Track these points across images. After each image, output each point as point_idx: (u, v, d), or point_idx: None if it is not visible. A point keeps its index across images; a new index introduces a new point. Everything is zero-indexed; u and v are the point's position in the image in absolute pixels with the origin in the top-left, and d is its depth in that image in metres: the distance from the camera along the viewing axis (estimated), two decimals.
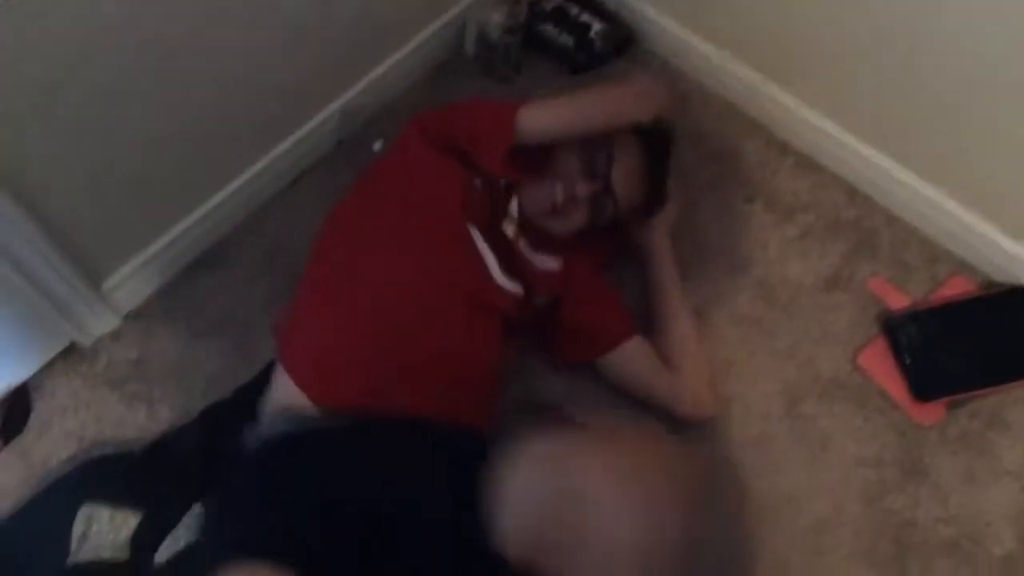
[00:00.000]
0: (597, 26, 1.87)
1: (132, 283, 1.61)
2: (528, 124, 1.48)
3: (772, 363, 1.58)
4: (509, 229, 1.51)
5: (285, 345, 1.40)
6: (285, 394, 1.35)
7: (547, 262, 1.54)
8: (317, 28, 1.58)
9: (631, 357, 1.52)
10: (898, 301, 1.63)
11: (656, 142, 1.56)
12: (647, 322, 1.57)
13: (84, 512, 1.39)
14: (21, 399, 1.56)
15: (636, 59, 1.90)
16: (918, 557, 1.44)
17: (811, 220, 1.72)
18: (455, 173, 1.49)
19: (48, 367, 1.59)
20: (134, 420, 1.55)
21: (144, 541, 1.38)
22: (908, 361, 1.57)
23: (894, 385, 1.56)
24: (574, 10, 1.89)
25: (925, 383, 1.55)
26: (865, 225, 1.71)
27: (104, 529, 1.39)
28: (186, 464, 1.44)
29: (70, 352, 1.60)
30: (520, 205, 1.52)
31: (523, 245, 1.52)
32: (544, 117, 1.51)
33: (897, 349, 1.58)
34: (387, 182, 1.52)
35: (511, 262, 1.48)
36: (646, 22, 1.87)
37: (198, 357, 1.60)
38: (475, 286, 1.42)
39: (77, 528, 1.38)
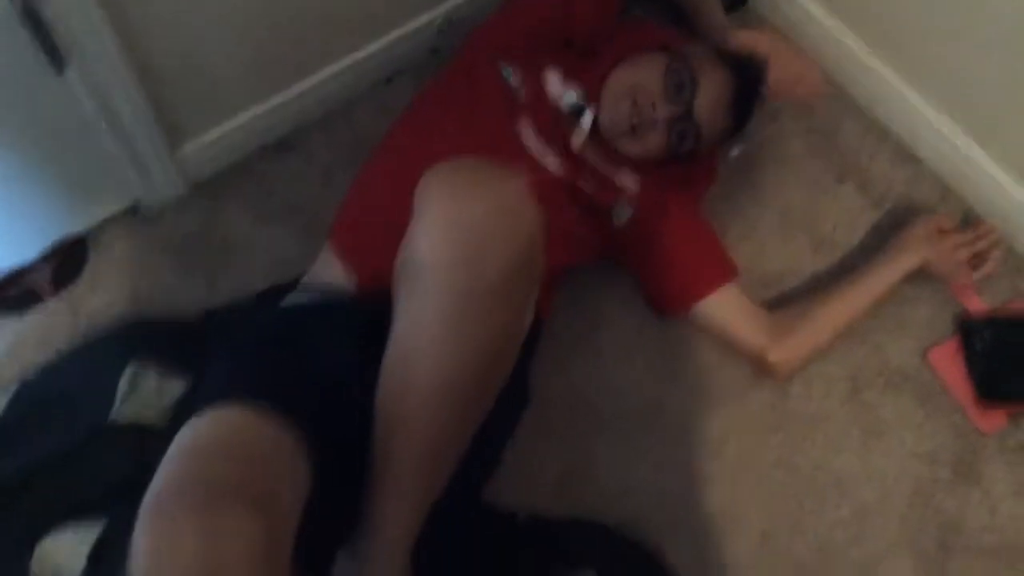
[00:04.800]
0: None
1: (208, 153, 1.56)
2: None
3: (842, 345, 1.55)
4: (578, 140, 1.45)
5: (334, 223, 1.40)
6: (326, 270, 1.35)
7: (624, 179, 1.48)
8: None
9: (726, 304, 1.48)
10: (977, 305, 1.60)
11: (746, 75, 1.50)
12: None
13: (131, 370, 1.35)
14: (78, 249, 1.52)
15: (744, 23, 1.84)
16: (960, 559, 1.42)
17: (902, 209, 1.68)
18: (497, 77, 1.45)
19: (109, 222, 1.55)
20: (190, 292, 1.51)
21: (187, 410, 1.36)
22: (978, 366, 1.54)
23: (960, 387, 1.53)
24: None
25: (991, 390, 1.52)
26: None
27: (150, 391, 1.35)
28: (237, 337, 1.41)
29: (133, 212, 1.56)
30: (596, 117, 1.46)
31: (594, 158, 1.47)
32: None
33: (969, 352, 1.55)
34: (443, 88, 1.50)
35: (579, 164, 1.43)
36: None
37: (263, 241, 1.56)
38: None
39: (122, 385, 1.35)
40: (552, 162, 1.40)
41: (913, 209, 1.67)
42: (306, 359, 1.14)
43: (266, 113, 1.59)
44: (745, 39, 1.72)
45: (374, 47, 1.66)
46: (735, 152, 1.67)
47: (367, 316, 1.19)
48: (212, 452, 0.94)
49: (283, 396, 1.01)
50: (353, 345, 1.16)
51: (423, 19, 1.69)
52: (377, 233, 1.32)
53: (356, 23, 1.60)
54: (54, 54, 1.23)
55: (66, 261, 1.50)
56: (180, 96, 1.44)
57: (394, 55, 1.69)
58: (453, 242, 0.98)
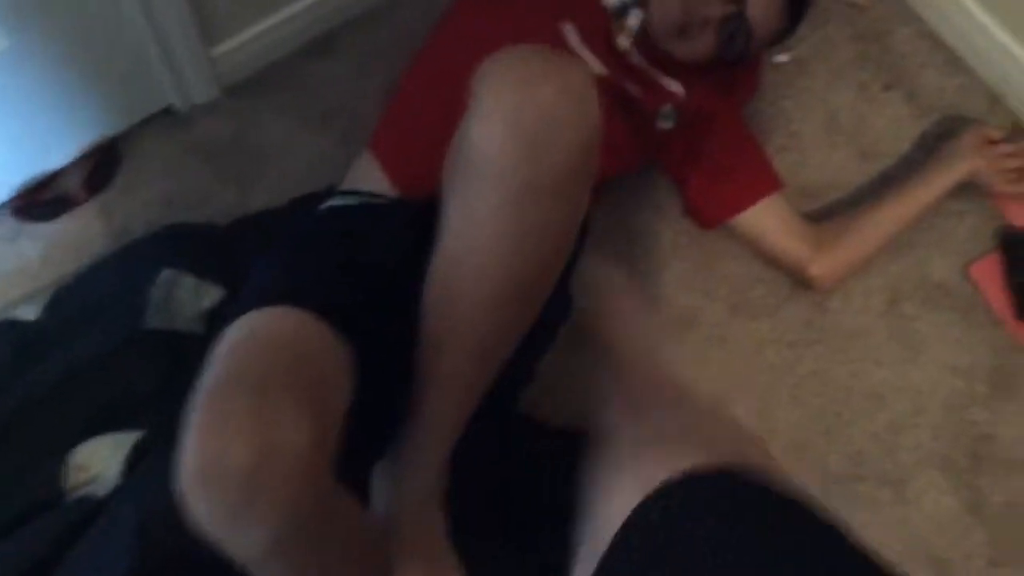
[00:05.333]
0: None
1: (243, 54, 1.53)
2: None
3: (881, 258, 1.52)
4: (624, 40, 1.40)
5: (376, 130, 1.37)
6: (366, 176, 1.32)
7: (670, 83, 1.44)
8: None
9: (769, 215, 1.46)
10: (1021, 219, 1.56)
11: None
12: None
13: (167, 276, 1.34)
14: (111, 153, 1.50)
15: None
16: (992, 471, 1.43)
17: (950, 119, 1.63)
18: None
19: (142, 125, 1.52)
20: (224, 197, 1.50)
21: (230, 314, 1.36)
22: (1019, 280, 1.51)
23: (1001, 302, 1.52)
24: None
25: None
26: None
27: (186, 297, 1.34)
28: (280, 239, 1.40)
29: (165, 115, 1.54)
30: (646, 17, 1.41)
31: (639, 60, 1.42)
32: None
33: (1011, 267, 1.52)
34: None
35: (624, 65, 1.39)
36: None
37: (299, 146, 1.54)
38: None
39: (158, 291, 1.33)
40: (597, 64, 1.37)
41: (961, 119, 1.62)
42: (351, 261, 1.11)
43: (304, 11, 1.54)
44: None
45: None
46: (783, 58, 1.62)
47: (412, 216, 1.16)
48: (266, 346, 0.91)
49: (328, 303, 0.99)
50: (398, 245, 1.14)
51: None
52: (420, 140, 1.30)
53: None
54: None
55: (99, 165, 1.49)
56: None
57: None
58: (517, 129, 0.91)
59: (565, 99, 0.93)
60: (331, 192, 1.40)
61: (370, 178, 1.32)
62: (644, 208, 1.55)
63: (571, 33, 1.37)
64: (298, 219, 1.35)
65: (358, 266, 1.11)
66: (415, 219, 1.13)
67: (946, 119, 1.63)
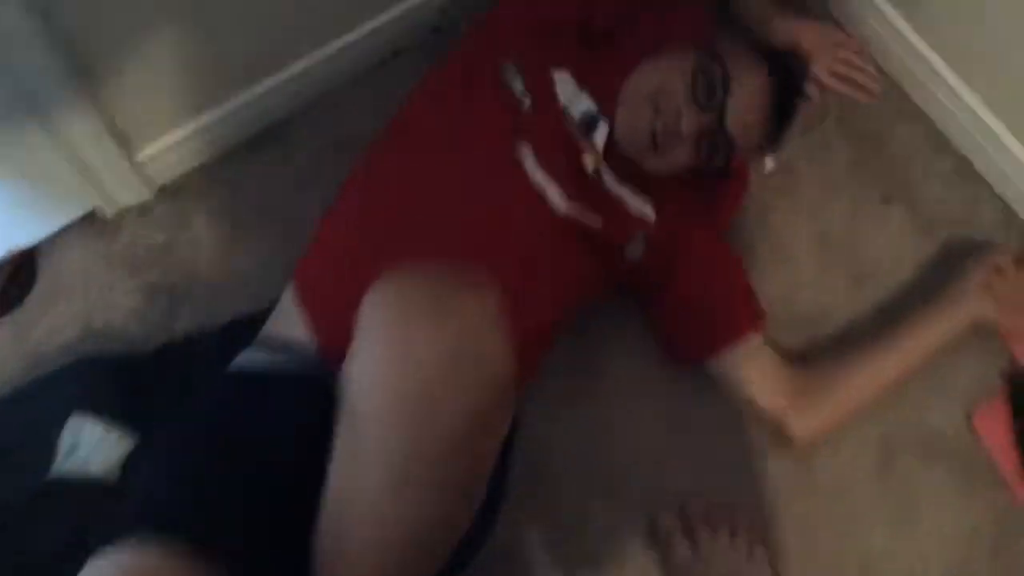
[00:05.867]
0: None
1: (172, 155, 1.39)
2: None
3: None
4: (590, 160, 1.26)
5: (297, 265, 1.22)
6: (287, 320, 1.18)
7: (641, 205, 1.29)
8: None
9: (746, 359, 1.29)
10: None
11: (788, 75, 1.30)
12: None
13: (76, 421, 1.22)
14: (26, 265, 1.36)
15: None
16: None
17: (956, 239, 1.48)
18: (501, 88, 1.25)
19: (62, 233, 1.38)
20: (150, 315, 1.36)
21: (137, 465, 1.23)
22: None
23: (1005, 457, 1.36)
24: None
25: None
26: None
27: (96, 445, 1.22)
28: (194, 383, 1.26)
29: (89, 221, 1.40)
30: (612, 128, 1.27)
31: (609, 179, 1.27)
32: None
33: (1017, 416, 1.37)
34: (436, 92, 1.29)
35: (588, 195, 1.24)
36: None
37: (234, 254, 1.40)
38: (528, 222, 1.19)
39: (67, 437, 1.21)
40: (555, 196, 1.21)
41: (969, 239, 1.47)
42: (246, 473, 0.98)
43: (237, 110, 1.40)
44: (794, 28, 1.50)
45: (365, 28, 1.45)
46: (770, 165, 1.47)
47: (324, 393, 1.03)
48: None
49: (210, 532, 0.87)
50: (302, 439, 0.99)
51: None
52: (342, 285, 1.14)
53: (342, 5, 1.39)
54: None
55: (13, 279, 1.35)
56: (130, 99, 1.26)
57: (390, 35, 1.49)
58: (398, 389, 0.81)
59: (455, 359, 0.81)
60: (261, 318, 1.26)
61: (290, 322, 1.17)
62: (612, 335, 1.40)
63: (528, 157, 1.22)
64: (206, 383, 1.19)
65: (252, 478, 0.97)
66: (327, 395, 1.00)
67: (952, 238, 1.47)
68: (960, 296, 1.34)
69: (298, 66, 1.41)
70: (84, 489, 1.19)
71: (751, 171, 1.44)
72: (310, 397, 1.09)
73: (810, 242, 1.47)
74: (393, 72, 1.51)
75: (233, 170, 1.44)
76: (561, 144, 1.25)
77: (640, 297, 1.37)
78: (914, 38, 1.48)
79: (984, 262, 1.36)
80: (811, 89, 1.50)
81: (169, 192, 1.42)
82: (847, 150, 1.52)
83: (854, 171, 1.51)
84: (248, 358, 1.17)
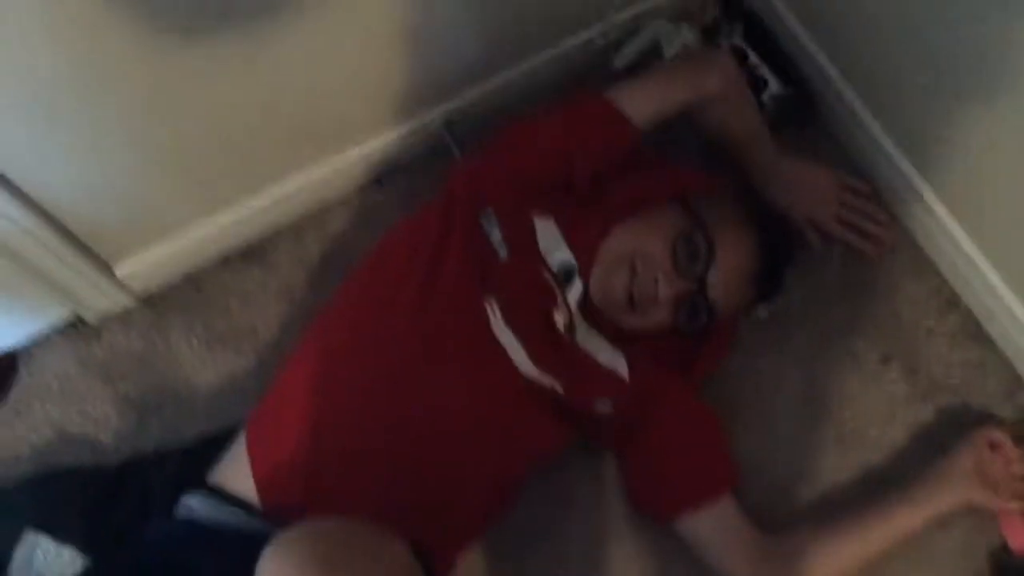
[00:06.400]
0: (775, 87, 1.50)
1: (154, 268, 1.40)
2: (628, 109, 1.29)
3: None
4: (559, 317, 1.23)
5: (255, 420, 1.20)
6: (236, 471, 1.17)
7: (614, 360, 1.26)
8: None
9: (713, 521, 1.24)
10: (1022, 539, 1.32)
11: (776, 244, 1.28)
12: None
13: (30, 538, 1.23)
14: (7, 367, 1.39)
15: (807, 136, 1.53)
16: None
17: (955, 407, 1.39)
18: (478, 237, 1.23)
19: (43, 337, 1.41)
20: (121, 426, 1.37)
21: None
22: None
23: None
24: (754, 57, 1.52)
25: None
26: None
27: (48, 563, 1.24)
28: (153, 504, 1.26)
29: (73, 327, 1.42)
30: (587, 285, 1.24)
31: (581, 332, 1.24)
32: (636, 97, 1.31)
33: None
34: (412, 238, 1.27)
35: (554, 355, 1.21)
36: (837, 101, 1.48)
37: (209, 371, 1.40)
38: (488, 382, 1.17)
39: (20, 552, 1.23)
40: (521, 358, 1.19)
41: (968, 408, 1.39)
42: None
43: (223, 226, 1.41)
44: (800, 169, 1.45)
45: (359, 152, 1.44)
46: (765, 314, 1.41)
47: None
48: None
49: None
50: None
51: (415, 122, 1.46)
52: (290, 450, 1.15)
53: (335, 131, 1.39)
54: None
55: None
56: (102, 227, 1.28)
57: (386, 156, 1.48)
58: None
59: None
60: (225, 439, 1.26)
61: (238, 475, 1.16)
62: (580, 475, 1.36)
63: (494, 313, 1.19)
64: (163, 509, 1.19)
65: None
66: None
67: (951, 406, 1.39)
68: (948, 479, 1.26)
69: (284, 185, 1.41)
70: None
71: (739, 321, 1.39)
72: (253, 556, 1.09)
73: (796, 395, 1.40)
74: (384, 191, 1.50)
75: (216, 283, 1.45)
76: (533, 297, 1.22)
77: (605, 446, 1.33)
78: (926, 191, 1.41)
79: (976, 443, 1.28)
80: (813, 236, 1.44)
81: (151, 301, 1.44)
82: (849, 301, 1.45)
83: (854, 324, 1.44)
84: (201, 506, 1.16)
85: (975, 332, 1.43)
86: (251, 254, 1.46)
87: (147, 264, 1.38)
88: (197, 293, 1.44)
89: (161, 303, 1.43)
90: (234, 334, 1.42)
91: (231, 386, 1.40)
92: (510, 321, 1.19)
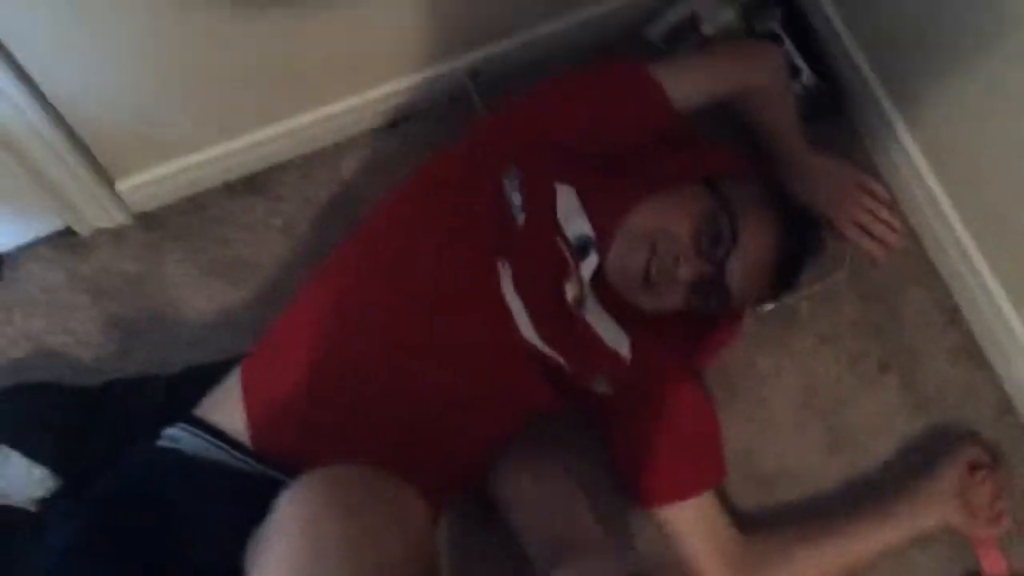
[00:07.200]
0: (807, 77, 1.48)
1: (155, 187, 1.35)
2: (672, 89, 1.28)
3: None
4: (570, 289, 1.20)
5: (253, 357, 1.17)
6: (228, 406, 1.13)
7: (618, 339, 1.24)
8: None
9: (694, 515, 1.23)
10: (995, 565, 1.33)
11: (799, 237, 1.26)
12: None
13: (1, 452, 1.19)
14: None
15: (831, 130, 1.51)
16: None
17: (945, 423, 1.40)
18: (498, 196, 1.20)
19: (32, 245, 1.36)
20: (103, 348, 1.33)
21: (56, 504, 1.20)
22: None
23: None
24: (789, 45, 1.49)
25: None
26: (1005, 453, 1.38)
27: (18, 481, 1.19)
28: (131, 432, 1.23)
29: (62, 236, 1.36)
30: (603, 261, 1.22)
31: (590, 306, 1.22)
32: (684, 79, 1.30)
33: None
34: (431, 188, 1.23)
35: (558, 326, 1.19)
36: (866, 96, 1.46)
37: (201, 299, 1.36)
38: (491, 340, 1.16)
39: None
40: (524, 322, 1.16)
41: (956, 428, 1.39)
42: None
43: (231, 152, 1.36)
44: (822, 164, 1.43)
45: (377, 93, 1.40)
46: (770, 306, 1.40)
47: (254, 500, 0.99)
48: None
49: None
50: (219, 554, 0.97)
51: (438, 69, 1.41)
52: (287, 387, 1.12)
53: (356, 70, 1.34)
54: None
55: None
56: (110, 137, 1.23)
57: (404, 101, 1.43)
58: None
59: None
60: (213, 372, 1.22)
61: (229, 411, 1.13)
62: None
63: (505, 275, 1.16)
64: (143, 437, 1.16)
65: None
66: (256, 493, 0.96)
67: (943, 422, 1.39)
68: (929, 499, 1.27)
69: (300, 119, 1.36)
70: (4, 511, 1.17)
71: (748, 314, 1.37)
72: (237, 494, 1.07)
73: (792, 396, 1.40)
74: (400, 136, 1.45)
75: (218, 210, 1.40)
76: (546, 265, 1.20)
77: (596, 423, 1.32)
78: (944, 201, 1.40)
79: (959, 462, 1.29)
80: (827, 235, 1.43)
81: (148, 220, 1.39)
82: (854, 305, 1.44)
83: (856, 329, 1.43)
84: (186, 438, 1.12)
85: (974, 351, 1.43)
86: (256, 185, 1.41)
87: (149, 182, 1.33)
88: (196, 218, 1.39)
89: (158, 224, 1.39)
90: (230, 265, 1.38)
91: (222, 318, 1.36)
92: (519, 287, 1.16)
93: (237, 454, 1.11)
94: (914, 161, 1.41)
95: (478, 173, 1.21)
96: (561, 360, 1.18)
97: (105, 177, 1.28)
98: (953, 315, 1.45)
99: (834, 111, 1.51)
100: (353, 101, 1.38)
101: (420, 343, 1.14)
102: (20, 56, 1.03)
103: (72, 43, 1.05)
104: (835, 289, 1.44)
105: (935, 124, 1.36)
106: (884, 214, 1.44)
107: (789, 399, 1.39)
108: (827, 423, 1.39)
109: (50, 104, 1.12)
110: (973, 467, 1.31)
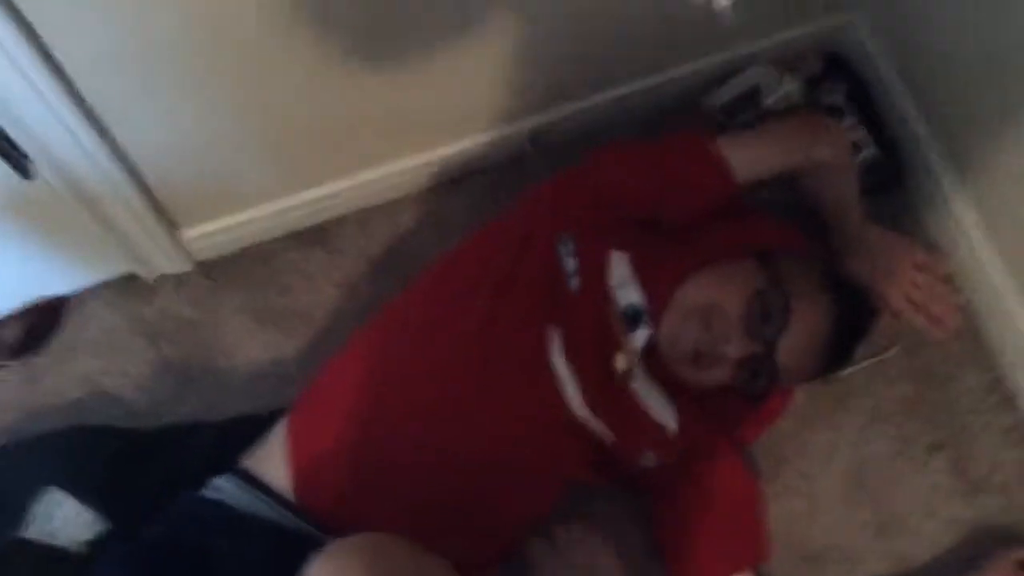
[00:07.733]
0: (869, 151, 1.47)
1: (218, 238, 1.38)
2: (735, 162, 1.27)
3: None
4: (620, 361, 1.20)
5: (299, 412, 1.18)
6: (273, 460, 1.16)
7: (666, 411, 1.23)
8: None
9: None
10: None
11: (852, 317, 1.23)
12: None
13: (51, 496, 1.21)
14: (52, 314, 1.37)
15: (890, 203, 1.50)
16: None
17: (996, 509, 1.37)
18: (552, 261, 1.20)
19: (100, 287, 1.39)
20: (157, 392, 1.36)
21: (103, 548, 1.22)
22: None
23: None
24: (850, 119, 1.48)
25: None
26: None
27: (67, 522, 1.21)
28: (182, 478, 1.24)
29: (126, 281, 1.39)
30: (654, 332, 1.21)
31: (639, 377, 1.21)
32: (747, 153, 1.29)
33: None
34: (484, 251, 1.25)
35: (606, 396, 1.19)
36: (926, 175, 1.46)
37: (255, 348, 1.38)
38: (537, 408, 1.16)
39: (39, 507, 1.21)
40: (573, 394, 1.16)
41: (1009, 511, 1.36)
42: None
43: (295, 206, 1.39)
44: (877, 237, 1.41)
45: (439, 152, 1.42)
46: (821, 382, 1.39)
47: (296, 556, 1.00)
48: None
49: None
50: None
51: (500, 131, 1.43)
52: (331, 442, 1.13)
53: (423, 130, 1.36)
54: (17, 162, 1.05)
55: (37, 326, 1.36)
56: (180, 189, 1.26)
57: (465, 160, 1.45)
58: None
59: None
60: (262, 422, 1.24)
61: (273, 464, 1.15)
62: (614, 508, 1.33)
63: (555, 341, 1.17)
64: (192, 484, 1.18)
65: None
66: (298, 550, 0.97)
67: (993, 509, 1.36)
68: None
69: (364, 175, 1.39)
70: (52, 551, 1.18)
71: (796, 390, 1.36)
72: (276, 550, 1.08)
73: (841, 473, 1.38)
74: (457, 195, 1.47)
75: (276, 260, 1.42)
76: (597, 333, 1.20)
77: (646, 490, 1.31)
78: (1000, 280, 1.38)
79: (1005, 563, 1.26)
80: (880, 311, 1.41)
81: (209, 268, 1.41)
82: (906, 384, 1.42)
83: (908, 409, 1.41)
84: (232, 490, 1.14)
85: None
86: (315, 237, 1.44)
87: (213, 231, 1.36)
88: (256, 268, 1.42)
89: (219, 273, 1.41)
90: (286, 315, 1.40)
91: (274, 368, 1.38)
92: (569, 355, 1.17)
93: (280, 509, 1.12)
94: (972, 237, 1.40)
95: (533, 237, 1.22)
96: (608, 430, 1.18)
97: (171, 225, 1.31)
98: (1006, 399, 1.42)
99: (895, 184, 1.50)
100: (416, 159, 1.40)
101: (464, 408, 1.15)
102: (101, 112, 1.06)
103: (156, 104, 1.08)
104: (887, 365, 1.43)
105: (997, 201, 1.35)
106: (939, 290, 1.42)
107: (837, 477, 1.38)
108: (875, 502, 1.37)
109: (123, 154, 1.15)
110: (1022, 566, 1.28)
